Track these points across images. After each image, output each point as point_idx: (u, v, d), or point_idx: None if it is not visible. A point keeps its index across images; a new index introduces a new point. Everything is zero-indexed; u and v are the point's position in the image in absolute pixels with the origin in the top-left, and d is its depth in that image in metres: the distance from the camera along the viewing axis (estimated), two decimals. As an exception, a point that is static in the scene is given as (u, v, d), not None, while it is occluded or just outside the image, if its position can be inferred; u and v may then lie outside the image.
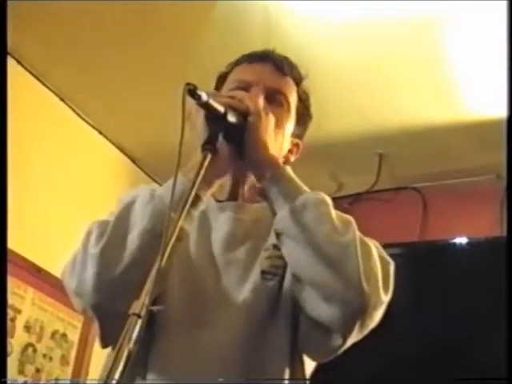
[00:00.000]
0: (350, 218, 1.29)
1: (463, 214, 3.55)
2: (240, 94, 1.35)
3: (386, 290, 1.24)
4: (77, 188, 3.31)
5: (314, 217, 1.24)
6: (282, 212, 1.26)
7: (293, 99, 1.48)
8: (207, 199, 1.32)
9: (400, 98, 3.14)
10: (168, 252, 1.01)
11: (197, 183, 1.12)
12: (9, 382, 1.80)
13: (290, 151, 1.50)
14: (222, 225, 1.39)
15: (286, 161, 1.48)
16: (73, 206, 3.22)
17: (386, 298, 1.24)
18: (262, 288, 1.32)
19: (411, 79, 3.04)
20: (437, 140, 3.36)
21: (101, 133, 3.50)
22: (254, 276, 1.34)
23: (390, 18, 2.69)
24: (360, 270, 1.19)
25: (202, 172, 1.13)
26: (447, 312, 3.17)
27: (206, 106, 1.21)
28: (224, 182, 1.40)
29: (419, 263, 3.44)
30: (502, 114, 2.95)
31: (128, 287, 1.08)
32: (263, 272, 1.34)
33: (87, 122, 3.42)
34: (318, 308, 1.23)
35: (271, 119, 1.34)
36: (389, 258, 1.30)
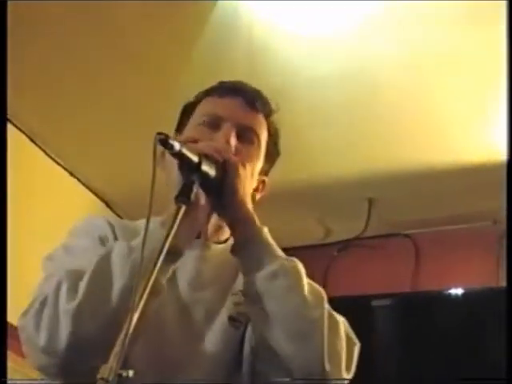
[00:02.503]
0: (322, 291, 1.30)
1: (458, 262, 3.54)
2: (214, 142, 1.36)
3: (348, 369, 1.26)
4: (48, 232, 3.25)
5: (283, 287, 1.25)
6: (251, 277, 1.28)
7: (263, 136, 1.48)
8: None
9: (391, 138, 3.14)
10: (140, 310, 1.00)
11: (170, 237, 1.11)
12: (9, 382, 1.80)
13: (256, 189, 1.49)
14: (187, 263, 1.37)
15: (253, 200, 1.46)
16: (43, 249, 3.19)
17: (347, 376, 1.26)
18: (228, 336, 1.34)
19: (403, 117, 3.03)
20: (430, 184, 3.37)
21: (72, 174, 3.51)
22: (221, 321, 1.35)
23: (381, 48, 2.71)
24: (324, 348, 1.21)
25: (176, 225, 1.13)
26: (443, 367, 3.16)
27: (178, 156, 1.20)
28: None
29: (411, 315, 3.43)
30: (499, 157, 2.96)
31: (105, 347, 1.05)
32: (230, 318, 1.35)
33: (58, 164, 3.43)
34: (279, 370, 1.25)
35: (248, 170, 1.36)
36: (355, 339, 1.31)
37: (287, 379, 1.25)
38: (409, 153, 3.22)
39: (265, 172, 1.51)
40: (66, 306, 1.17)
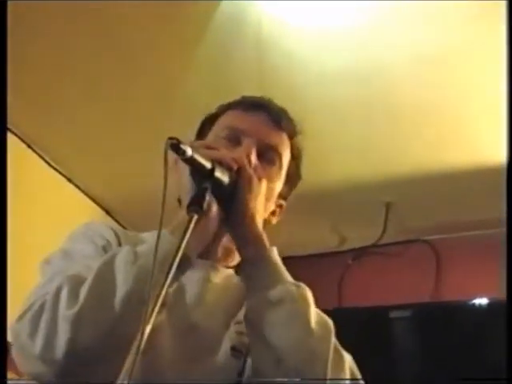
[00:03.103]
0: (330, 322, 1.27)
1: (482, 269, 3.50)
2: (230, 152, 1.35)
3: None
4: (47, 242, 3.30)
5: (288, 315, 1.23)
6: (255, 301, 1.26)
7: (285, 157, 1.47)
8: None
9: (409, 137, 3.09)
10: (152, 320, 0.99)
11: (182, 247, 1.10)
12: (9, 382, 1.82)
13: (273, 213, 1.48)
14: (192, 285, 1.38)
15: (267, 223, 1.46)
16: (42, 256, 3.24)
17: None
18: (229, 366, 1.31)
19: (422, 115, 2.97)
20: (451, 187, 3.34)
21: (71, 181, 3.51)
22: (223, 351, 1.33)
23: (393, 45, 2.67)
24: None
25: (188, 235, 1.12)
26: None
27: (190, 162, 1.20)
28: None
29: (432, 328, 3.38)
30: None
31: (105, 356, 1.07)
32: (233, 348, 1.33)
33: (58, 171, 3.45)
34: None
35: (263, 185, 1.34)
36: (359, 376, 1.28)
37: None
38: (428, 153, 3.18)
39: (283, 196, 1.50)
40: (66, 312, 1.15)
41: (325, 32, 2.64)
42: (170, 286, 1.14)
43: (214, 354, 1.31)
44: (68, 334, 1.13)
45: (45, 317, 1.16)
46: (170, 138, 1.12)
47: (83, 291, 1.16)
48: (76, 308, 1.15)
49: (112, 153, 3.31)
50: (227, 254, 1.42)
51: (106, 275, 1.19)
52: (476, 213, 3.49)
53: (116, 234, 1.37)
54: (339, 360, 1.23)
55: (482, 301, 3.32)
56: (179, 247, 1.09)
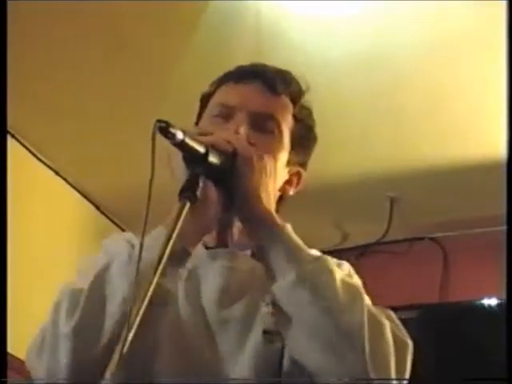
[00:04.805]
0: (359, 287, 1.27)
1: (491, 269, 3.45)
2: (223, 132, 1.33)
3: (400, 373, 1.22)
4: (36, 239, 3.35)
5: (313, 293, 1.21)
6: (276, 286, 1.23)
7: (286, 123, 1.43)
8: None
9: (415, 130, 3.09)
10: (139, 322, 0.99)
11: (173, 237, 1.08)
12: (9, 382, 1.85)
13: (289, 182, 1.45)
14: (213, 276, 1.36)
15: (284, 194, 1.44)
16: (42, 258, 3.30)
17: (402, 380, 1.23)
18: (264, 354, 1.28)
19: (429, 107, 2.97)
20: (459, 182, 3.33)
21: (57, 173, 3.53)
22: (254, 340, 1.30)
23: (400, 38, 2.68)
24: (366, 358, 1.17)
25: (179, 224, 1.10)
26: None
27: (182, 146, 1.17)
28: None
29: (440, 329, 3.38)
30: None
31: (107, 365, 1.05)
32: (265, 332, 1.29)
33: (43, 162, 3.47)
34: None
35: (267, 162, 1.32)
36: (406, 337, 1.26)
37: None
38: (436, 146, 3.17)
39: (299, 163, 1.47)
40: (64, 330, 1.17)
41: (327, 20, 2.62)
42: (170, 281, 1.16)
43: (245, 346, 1.30)
44: (67, 352, 1.16)
45: (48, 336, 1.19)
46: (159, 121, 1.10)
47: (80, 304, 1.18)
48: (72, 323, 1.17)
49: (105, 148, 3.32)
50: (243, 232, 1.39)
51: (101, 283, 1.20)
52: (485, 209, 3.47)
53: (132, 246, 1.34)
54: (377, 326, 1.21)
55: (492, 301, 3.31)
56: (169, 237, 1.08)
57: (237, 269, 1.37)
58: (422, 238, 3.72)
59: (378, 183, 3.40)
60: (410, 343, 1.26)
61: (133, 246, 1.33)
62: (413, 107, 2.98)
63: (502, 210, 3.30)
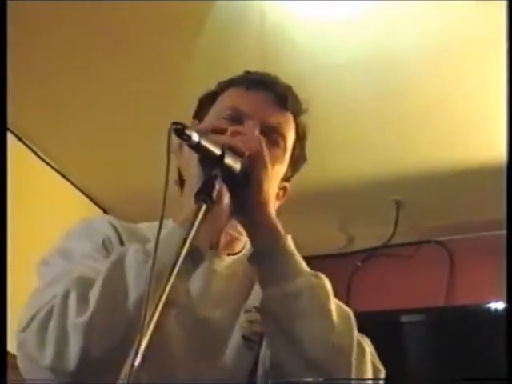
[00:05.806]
0: (351, 313, 1.26)
1: (498, 272, 3.41)
2: (241, 134, 1.33)
3: None
4: (39, 241, 3.31)
5: (308, 308, 1.22)
6: (271, 292, 1.24)
7: (290, 139, 1.45)
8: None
9: (421, 134, 3.08)
10: (155, 323, 0.98)
11: (189, 239, 1.08)
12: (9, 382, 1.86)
13: (276, 196, 1.44)
14: (196, 278, 1.33)
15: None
16: (31, 259, 3.25)
17: None
18: (241, 358, 1.32)
19: (436, 110, 2.96)
20: (466, 185, 3.33)
21: (65, 177, 3.54)
22: (234, 343, 1.33)
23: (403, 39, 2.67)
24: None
25: (196, 225, 1.10)
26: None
27: (198, 148, 1.17)
28: None
29: (446, 333, 3.37)
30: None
31: (119, 364, 1.05)
32: (244, 338, 1.33)
33: (51, 167, 3.46)
34: None
35: (276, 172, 1.35)
36: (381, 366, 1.29)
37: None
38: (441, 150, 3.16)
39: (288, 179, 1.49)
40: (76, 320, 1.13)
41: (332, 22, 2.62)
42: (183, 281, 1.16)
43: (225, 346, 1.31)
44: (80, 343, 1.12)
45: (53, 325, 1.15)
46: (174, 123, 1.10)
47: (93, 296, 1.15)
48: (87, 315, 1.13)
49: (111, 149, 3.32)
50: (230, 241, 1.41)
51: (116, 278, 1.17)
52: (492, 212, 3.37)
53: (115, 229, 1.35)
54: (362, 353, 1.22)
55: (498, 305, 3.29)
56: (186, 238, 1.08)
57: (218, 272, 1.39)
58: (428, 242, 3.72)
59: (384, 187, 3.38)
60: (383, 371, 1.29)
61: (116, 230, 1.35)
62: (418, 110, 2.97)
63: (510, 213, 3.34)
